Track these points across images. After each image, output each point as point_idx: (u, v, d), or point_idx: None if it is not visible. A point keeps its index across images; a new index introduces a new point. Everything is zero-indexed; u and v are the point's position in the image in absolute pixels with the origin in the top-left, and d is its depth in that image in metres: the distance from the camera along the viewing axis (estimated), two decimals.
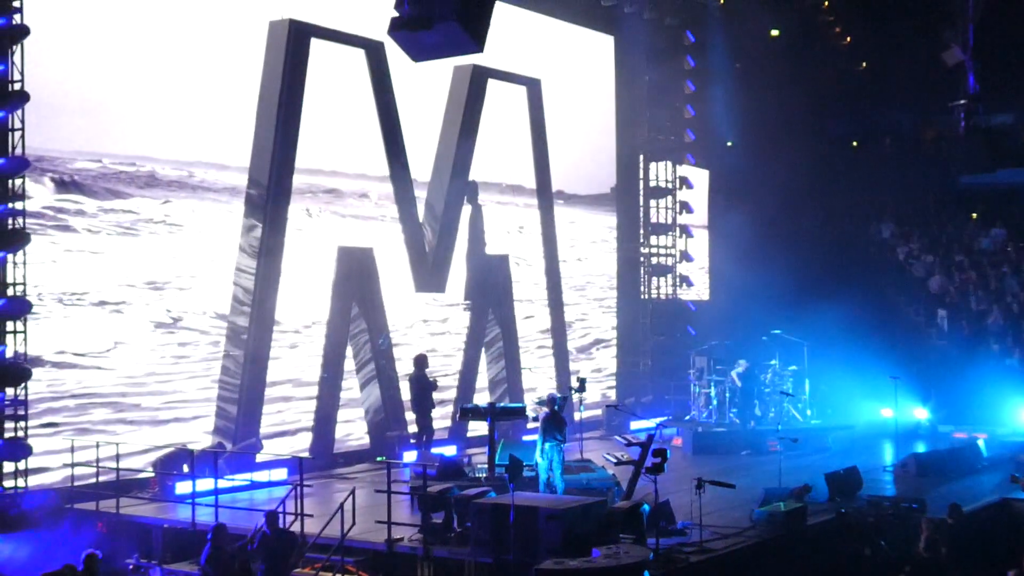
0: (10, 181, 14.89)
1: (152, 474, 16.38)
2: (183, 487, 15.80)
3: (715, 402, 23.83)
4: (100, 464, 15.40)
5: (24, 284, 14.99)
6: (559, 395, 16.93)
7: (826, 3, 32.45)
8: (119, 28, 16.93)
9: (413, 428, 19.49)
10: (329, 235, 20.23)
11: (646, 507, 13.42)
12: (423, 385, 18.90)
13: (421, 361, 19.28)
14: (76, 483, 15.52)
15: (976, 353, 27.16)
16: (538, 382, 24.05)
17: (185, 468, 16.03)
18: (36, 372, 15.33)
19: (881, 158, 32.93)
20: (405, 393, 20.08)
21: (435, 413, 19.27)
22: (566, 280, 25.68)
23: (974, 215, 32.95)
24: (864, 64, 34.09)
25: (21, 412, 14.96)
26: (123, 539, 14.90)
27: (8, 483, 14.98)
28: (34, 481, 15.38)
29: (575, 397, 20.32)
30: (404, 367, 20.43)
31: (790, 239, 30.57)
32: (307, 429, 19.40)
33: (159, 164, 17.62)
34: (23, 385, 14.96)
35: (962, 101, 29.90)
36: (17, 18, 14.90)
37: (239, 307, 18.37)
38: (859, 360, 24.29)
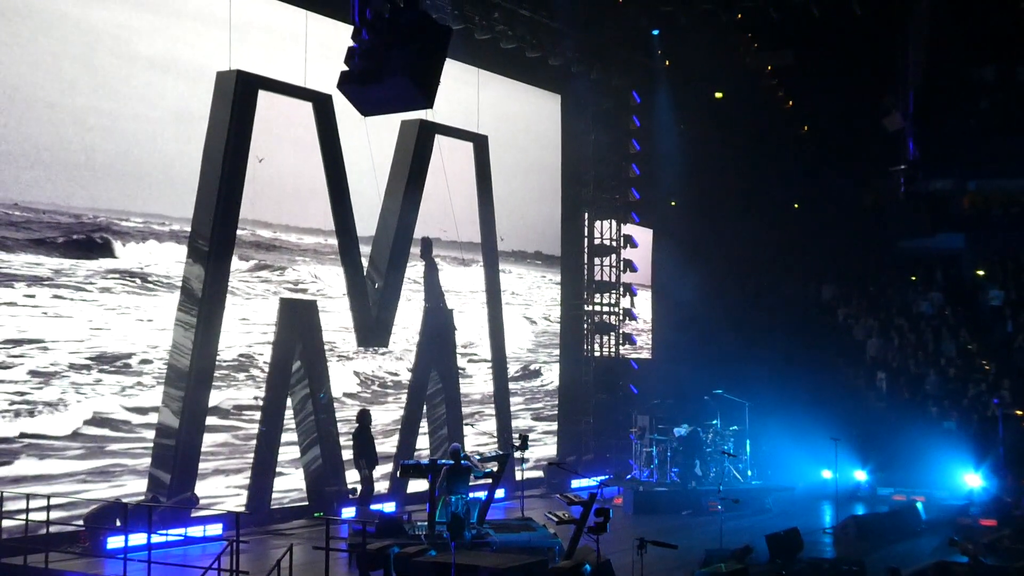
0: None
1: (83, 527, 16.02)
2: (115, 542, 15.47)
3: (656, 461, 23.82)
4: (29, 518, 15.03)
5: None
6: (461, 447, 16.96)
7: (769, 67, 32.93)
8: (63, 76, 16.76)
9: (352, 484, 19.28)
10: (271, 288, 20.06)
11: (587, 567, 13.32)
12: (365, 440, 18.74)
13: (364, 416, 19.12)
14: (4, 537, 15.13)
15: (915, 416, 27.41)
16: (480, 439, 23.93)
17: (117, 522, 15.70)
18: None
19: (822, 221, 33.31)
20: (345, 450, 19.91)
21: (376, 471, 19.10)
22: (509, 335, 25.62)
23: (913, 278, 33.38)
24: (806, 128, 34.59)
25: None
26: None
27: None
28: None
29: (517, 455, 20.20)
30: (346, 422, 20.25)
31: (732, 299, 30.79)
32: (242, 481, 19.12)
33: (89, 214, 17.35)
34: None
35: (902, 166, 30.43)
36: None
37: (178, 358, 18.10)
38: (800, 421, 24.43)
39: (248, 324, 19.62)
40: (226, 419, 19.09)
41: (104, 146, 17.35)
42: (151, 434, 17.81)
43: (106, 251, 17.58)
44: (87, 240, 17.30)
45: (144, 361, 17.90)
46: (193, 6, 18.78)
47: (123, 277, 17.83)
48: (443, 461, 16.82)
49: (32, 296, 16.42)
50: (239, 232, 19.32)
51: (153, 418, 17.83)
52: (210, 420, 18.63)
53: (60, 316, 16.83)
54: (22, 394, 16.15)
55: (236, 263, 19.32)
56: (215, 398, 18.80)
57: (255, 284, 19.82)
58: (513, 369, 26.04)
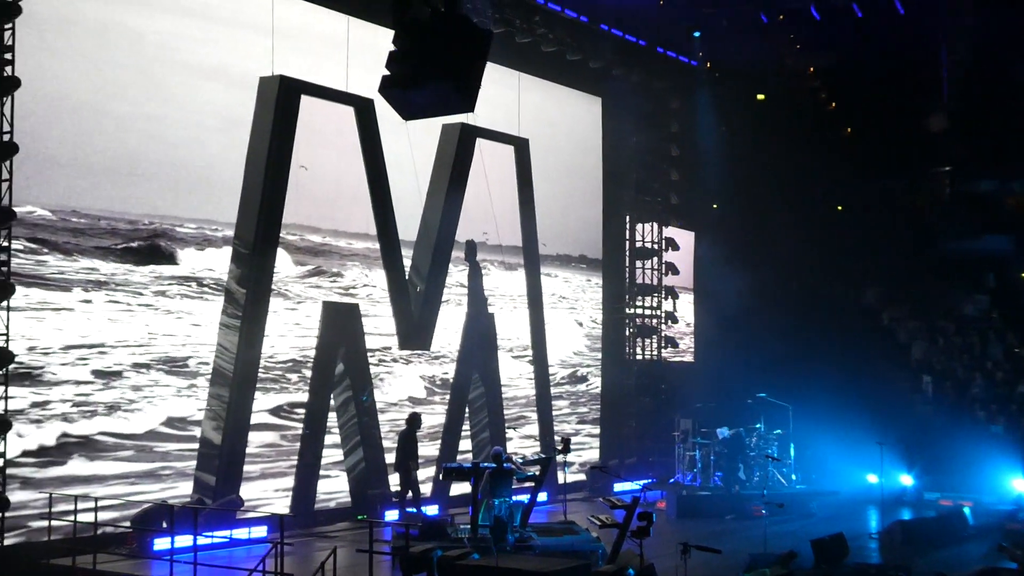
0: None
1: (130, 529, 16.16)
2: (161, 543, 15.60)
3: (700, 465, 23.70)
4: (78, 519, 15.19)
5: (7, 335, 14.83)
6: (504, 450, 16.94)
7: (812, 68, 32.71)
8: (111, 83, 16.93)
9: (395, 487, 19.33)
10: (315, 292, 20.16)
11: (631, 571, 13.28)
12: (409, 445, 18.75)
13: (414, 420, 19.18)
14: (53, 538, 15.29)
15: (961, 420, 27.12)
16: (522, 442, 23.93)
17: (164, 524, 15.83)
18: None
19: (866, 223, 33.04)
20: (388, 452, 19.98)
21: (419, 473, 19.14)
22: (559, 340, 25.65)
23: (958, 281, 33.02)
24: (849, 129, 34.32)
25: (0, 464, 14.75)
26: None
27: None
28: (10, 536, 15.14)
29: (559, 458, 20.18)
30: (387, 424, 20.32)
31: (775, 302, 30.59)
32: (286, 482, 19.22)
33: (144, 219, 17.54)
34: (2, 437, 14.75)
35: (947, 167, 30.14)
36: (8, 70, 14.88)
37: (222, 363, 18.23)
38: (844, 425, 24.24)
39: (302, 328, 19.77)
40: (277, 421, 19.26)
41: (155, 152, 17.56)
42: (208, 436, 18.01)
43: (165, 257, 17.87)
44: (146, 246, 17.58)
45: (202, 363, 18.15)
46: (238, 13, 18.92)
47: (182, 282, 18.07)
48: (486, 464, 16.83)
49: (88, 301, 16.60)
50: (289, 237, 19.57)
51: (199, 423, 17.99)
52: (262, 422, 18.85)
53: (117, 320, 17.04)
54: (80, 396, 16.34)
55: (291, 268, 19.59)
56: (268, 400, 19.03)
57: (309, 289, 19.95)
58: (563, 373, 26.09)
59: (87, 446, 16.38)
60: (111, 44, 17.01)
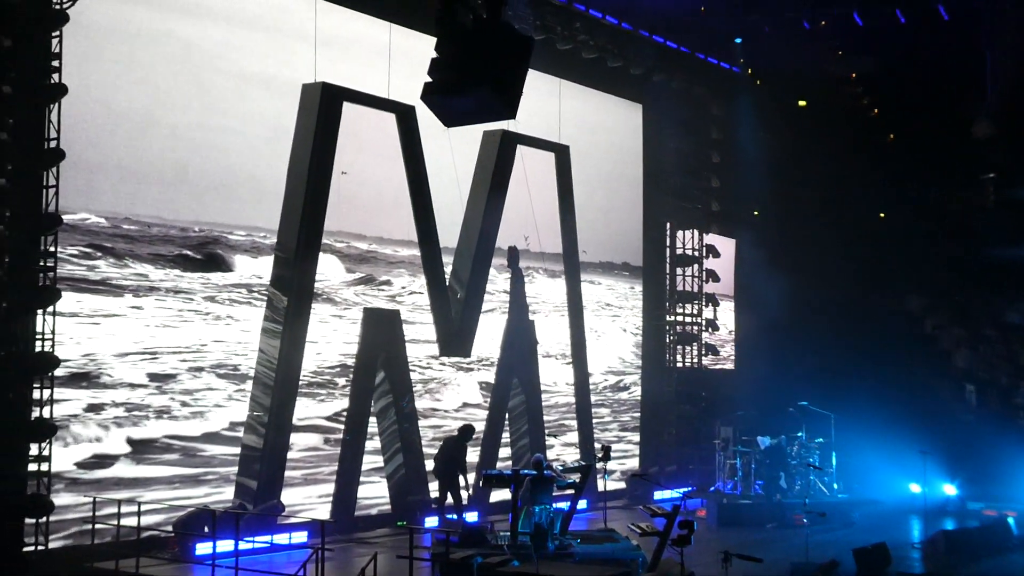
0: (42, 238, 14.94)
1: (172, 534, 16.27)
2: (203, 548, 15.70)
3: (740, 473, 23.59)
4: (121, 523, 15.32)
5: (53, 339, 14.98)
6: (544, 457, 16.91)
7: (854, 75, 32.51)
8: (159, 91, 17.09)
9: (435, 493, 19.36)
10: (355, 298, 20.24)
11: None
12: (457, 454, 18.76)
13: (466, 431, 19.22)
14: (96, 541, 15.42)
15: (1005, 428, 26.85)
16: (563, 449, 23.91)
17: (206, 529, 15.93)
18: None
19: (908, 230, 32.79)
20: (429, 459, 20.03)
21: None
22: (598, 347, 25.63)
23: (1002, 288, 32.69)
24: (892, 136, 34.07)
25: (44, 468, 14.88)
26: None
27: (29, 540, 14.87)
28: (55, 539, 15.28)
29: (599, 466, 20.15)
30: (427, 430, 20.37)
31: (817, 310, 30.40)
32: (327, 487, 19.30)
33: (194, 227, 17.71)
34: (48, 441, 14.89)
35: (991, 174, 29.84)
36: (56, 77, 15.04)
37: (264, 368, 18.34)
38: (887, 433, 24.04)
39: (352, 335, 19.88)
40: (325, 424, 19.44)
41: (203, 160, 17.75)
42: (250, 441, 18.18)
43: (218, 263, 18.08)
44: (199, 252, 17.83)
45: (252, 368, 18.34)
46: (282, 22, 19.04)
47: (233, 288, 18.29)
48: (526, 471, 16.83)
49: (139, 308, 16.75)
50: (337, 244, 19.70)
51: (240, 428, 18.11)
52: (308, 426, 19.04)
53: (170, 326, 17.25)
54: (130, 401, 16.54)
55: (341, 274, 19.77)
56: (317, 406, 19.25)
57: (358, 296, 20.04)
58: (610, 381, 26.14)
59: (135, 450, 16.52)
60: (159, 52, 17.15)
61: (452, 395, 22.11)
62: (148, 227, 17.02)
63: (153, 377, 16.90)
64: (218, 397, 17.75)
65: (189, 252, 17.66)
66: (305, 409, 19.06)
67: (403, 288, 21.18)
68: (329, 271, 19.66)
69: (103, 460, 16.14)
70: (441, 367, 21.77)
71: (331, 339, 19.65)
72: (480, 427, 22.27)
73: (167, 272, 17.25)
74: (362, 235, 20.35)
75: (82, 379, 15.96)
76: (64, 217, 15.24)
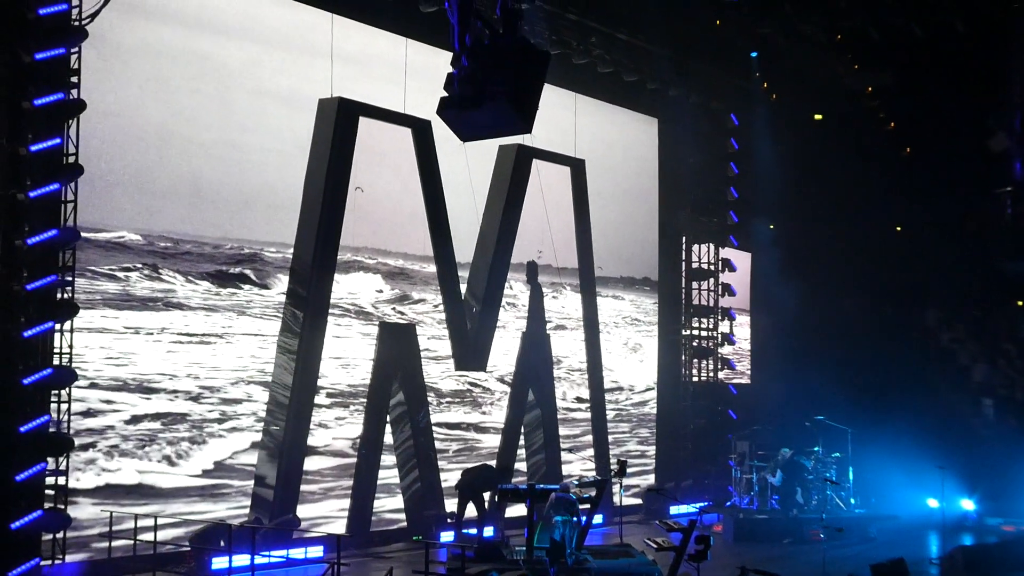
0: (60, 252, 15.00)
1: (189, 549, 16.29)
2: (219, 563, 15.72)
3: (757, 488, 23.51)
4: (137, 537, 15.34)
5: (71, 354, 15.03)
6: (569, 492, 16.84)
7: (870, 88, 32.47)
8: (173, 106, 17.17)
9: (451, 507, 19.35)
10: (371, 312, 20.28)
11: None
12: (488, 482, 18.73)
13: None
14: (113, 556, 15.45)
15: None
16: (578, 464, 23.88)
17: (222, 544, 15.94)
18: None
19: (925, 243, 32.70)
20: (443, 472, 20.04)
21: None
22: (623, 361, 25.64)
23: (1020, 303, 32.55)
24: (908, 149, 34.00)
25: (62, 482, 14.91)
26: None
27: (46, 555, 14.90)
28: (72, 554, 15.31)
29: (615, 481, 20.11)
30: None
31: (833, 324, 30.32)
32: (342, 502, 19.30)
33: (226, 244, 17.90)
34: (65, 455, 14.92)
35: (1008, 188, 29.73)
36: (74, 93, 15.12)
37: (279, 383, 18.37)
38: (904, 448, 23.95)
39: (348, 348, 19.92)
40: (345, 439, 19.55)
41: (228, 176, 17.98)
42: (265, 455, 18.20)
43: (253, 280, 18.34)
44: (234, 268, 18.14)
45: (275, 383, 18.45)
46: (298, 38, 19.11)
47: (264, 304, 18.49)
48: (541, 486, 16.80)
49: (163, 329, 16.81)
50: (368, 261, 19.96)
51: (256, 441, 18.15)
52: (332, 439, 19.19)
53: (204, 343, 17.40)
54: (160, 416, 16.67)
55: (373, 293, 20.13)
56: (342, 420, 19.31)
57: (354, 309, 20.07)
58: (632, 395, 26.21)
59: (159, 465, 16.58)
60: (178, 68, 17.25)
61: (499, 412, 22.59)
62: (179, 243, 17.23)
63: (179, 395, 17.01)
64: (255, 407, 18.03)
65: (227, 268, 17.99)
66: (332, 423, 19.13)
67: (436, 306, 21.45)
68: (357, 286, 19.93)
69: (120, 476, 16.18)
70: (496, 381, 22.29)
71: (355, 356, 19.87)
72: (495, 441, 22.29)
73: (196, 287, 17.42)
74: (386, 251, 20.40)
75: (110, 392, 16.06)
76: (104, 235, 15.39)
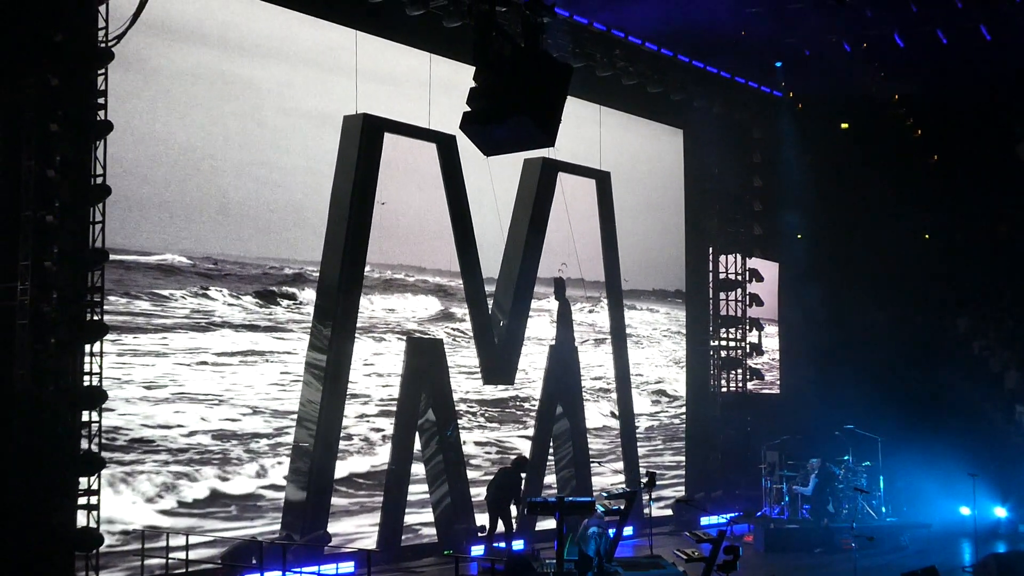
0: (88, 274, 15.14)
1: (221, 566, 16.36)
2: None
3: (787, 498, 23.41)
4: (170, 555, 15.43)
5: (100, 375, 15.15)
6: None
7: (896, 96, 32.38)
8: (198, 125, 17.32)
9: (481, 521, 19.36)
10: (392, 327, 20.35)
11: None
12: (511, 484, 18.74)
13: (521, 463, 19.24)
14: (145, 575, 15.55)
15: None
16: (607, 477, 23.85)
17: (253, 561, 16.01)
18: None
19: (954, 251, 32.56)
20: (474, 486, 20.04)
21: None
22: (635, 373, 25.62)
23: None
24: (936, 157, 33.88)
25: (94, 502, 15.02)
26: None
27: (80, 572, 15.01)
28: (104, 573, 15.41)
29: (645, 493, 20.06)
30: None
31: (862, 332, 30.22)
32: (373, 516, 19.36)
33: (269, 263, 18.19)
34: (96, 475, 15.02)
35: None
36: (101, 114, 15.27)
37: (308, 400, 18.44)
38: (935, 456, 23.83)
39: (376, 364, 20.01)
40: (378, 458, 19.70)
41: (265, 196, 18.18)
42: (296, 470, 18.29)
43: (293, 299, 18.60)
44: (274, 288, 18.38)
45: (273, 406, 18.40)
46: (323, 55, 19.24)
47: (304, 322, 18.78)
48: (570, 499, 16.78)
49: (195, 353, 16.95)
50: (408, 279, 20.33)
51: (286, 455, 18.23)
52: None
53: (246, 362, 17.67)
54: (193, 437, 16.82)
55: (413, 310, 20.46)
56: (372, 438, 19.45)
57: (382, 325, 20.16)
58: (666, 407, 26.41)
59: (194, 482, 16.72)
60: (203, 89, 17.40)
61: None
62: (208, 261, 17.43)
63: (220, 414, 17.15)
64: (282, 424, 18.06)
65: (275, 287, 18.31)
66: (367, 439, 19.31)
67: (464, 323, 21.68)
68: (396, 304, 20.35)
69: (157, 495, 16.31)
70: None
71: (389, 371, 20.08)
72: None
73: (233, 307, 17.64)
74: (391, 264, 20.47)
75: (141, 411, 16.20)
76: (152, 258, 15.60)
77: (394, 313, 20.26)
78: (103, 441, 15.21)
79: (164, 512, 16.27)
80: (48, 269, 14.69)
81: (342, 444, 18.90)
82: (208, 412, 17.10)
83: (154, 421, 16.39)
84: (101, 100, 15.30)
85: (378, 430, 19.67)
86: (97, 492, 15.02)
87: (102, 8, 15.42)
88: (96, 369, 15.10)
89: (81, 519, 14.93)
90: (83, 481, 14.89)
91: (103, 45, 15.36)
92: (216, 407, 17.20)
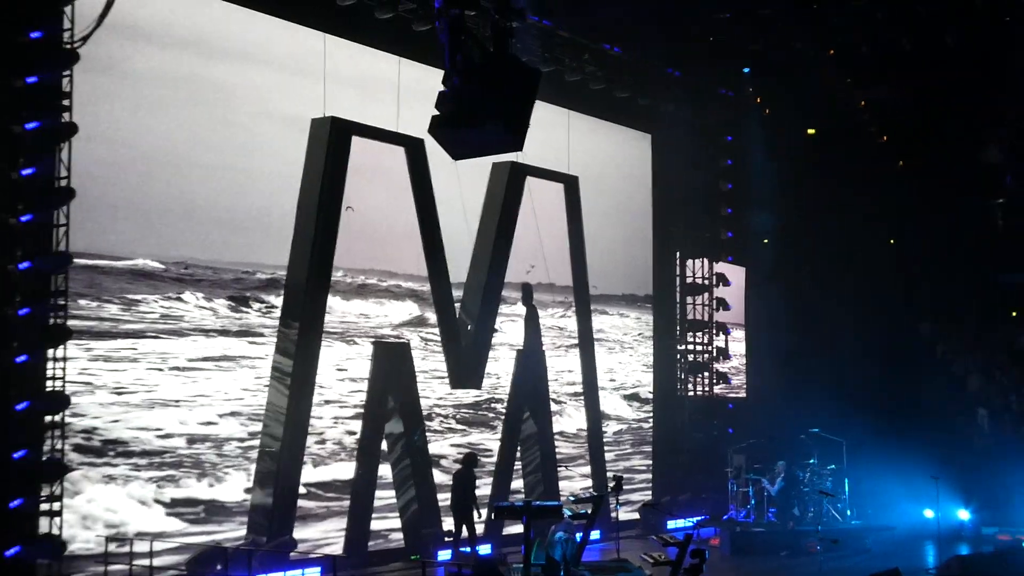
0: (52, 277, 15.01)
1: (185, 572, 16.25)
2: None
3: (753, 501, 23.52)
4: (133, 563, 15.32)
5: (63, 379, 15.02)
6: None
7: (863, 102, 32.56)
8: (166, 128, 17.21)
9: (448, 526, 19.33)
10: (366, 332, 20.30)
11: None
12: (467, 484, 18.75)
13: (471, 460, 19.21)
14: None
15: (1018, 453, 26.72)
16: (575, 481, 23.88)
17: (219, 567, 15.91)
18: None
19: (919, 256, 32.77)
20: (441, 490, 20.02)
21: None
22: (602, 377, 25.66)
23: (1013, 313, 32.61)
24: (901, 163, 34.09)
25: (56, 508, 14.89)
26: None
27: None
28: None
29: (612, 497, 20.10)
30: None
31: (828, 337, 30.36)
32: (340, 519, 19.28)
33: (241, 267, 18.18)
34: (59, 481, 14.90)
35: (1000, 200, 29.81)
36: (66, 116, 15.15)
37: (273, 404, 18.35)
38: (899, 459, 23.97)
39: (342, 368, 19.95)
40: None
41: (243, 201, 18.20)
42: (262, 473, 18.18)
43: (274, 305, 18.61)
44: (243, 293, 18.32)
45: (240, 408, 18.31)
46: (290, 57, 19.16)
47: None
48: (537, 503, 16.78)
49: (167, 357, 16.85)
50: (382, 283, 20.43)
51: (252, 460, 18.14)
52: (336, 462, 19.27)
53: (224, 368, 17.67)
54: (160, 445, 16.64)
55: (387, 315, 20.42)
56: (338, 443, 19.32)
57: (349, 329, 20.10)
58: (633, 411, 26.51)
59: (157, 489, 16.60)
60: (170, 91, 17.28)
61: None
62: (183, 267, 17.40)
63: (190, 420, 17.09)
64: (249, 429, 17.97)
65: (244, 293, 18.25)
66: (333, 444, 19.19)
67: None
68: (371, 310, 20.35)
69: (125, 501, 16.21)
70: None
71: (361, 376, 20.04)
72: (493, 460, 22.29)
73: (205, 312, 17.60)
74: (358, 268, 20.41)
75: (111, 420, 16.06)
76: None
77: (367, 319, 20.18)
78: (76, 443, 15.08)
79: (136, 514, 16.17)
80: (10, 272, 14.56)
81: (314, 448, 18.82)
82: (181, 416, 17.00)
83: (127, 424, 16.28)
84: (66, 102, 15.17)
85: (352, 433, 19.59)
86: (60, 499, 14.88)
87: (68, 9, 15.30)
88: (60, 373, 14.97)
89: (44, 525, 14.78)
90: (45, 488, 14.74)
91: (69, 47, 15.24)
92: (187, 410, 17.11)
